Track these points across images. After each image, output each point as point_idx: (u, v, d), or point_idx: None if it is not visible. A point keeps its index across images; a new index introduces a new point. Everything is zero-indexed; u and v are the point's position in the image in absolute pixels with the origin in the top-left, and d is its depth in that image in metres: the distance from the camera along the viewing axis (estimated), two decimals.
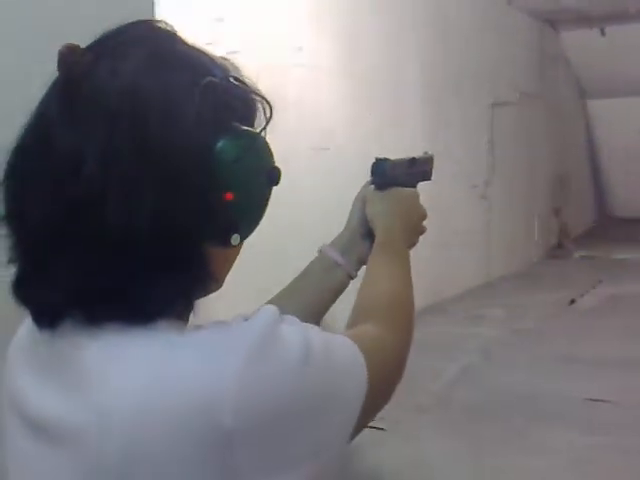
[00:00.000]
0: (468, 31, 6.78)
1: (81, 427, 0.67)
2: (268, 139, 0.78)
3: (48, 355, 0.74)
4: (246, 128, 0.74)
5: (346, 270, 1.10)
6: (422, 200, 1.16)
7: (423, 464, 3.18)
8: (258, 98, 0.77)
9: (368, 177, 1.16)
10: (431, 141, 6.18)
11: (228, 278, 0.82)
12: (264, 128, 0.77)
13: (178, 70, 0.71)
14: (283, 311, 1.06)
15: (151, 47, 0.72)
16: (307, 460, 0.70)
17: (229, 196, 0.71)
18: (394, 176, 1.15)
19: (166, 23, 0.76)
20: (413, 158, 1.20)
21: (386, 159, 1.14)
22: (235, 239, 0.74)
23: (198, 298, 0.76)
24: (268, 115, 0.77)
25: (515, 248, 8.00)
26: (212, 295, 0.78)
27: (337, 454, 0.75)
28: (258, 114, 0.78)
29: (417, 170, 1.21)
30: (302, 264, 1.15)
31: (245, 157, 0.72)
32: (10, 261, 0.71)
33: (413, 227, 1.14)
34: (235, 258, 0.81)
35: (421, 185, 1.21)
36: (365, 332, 0.87)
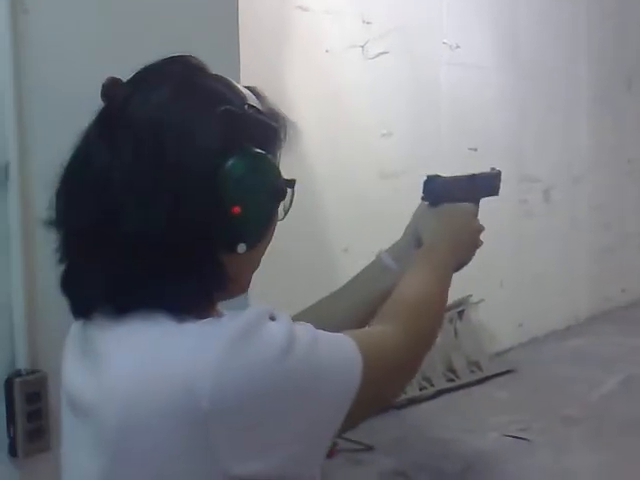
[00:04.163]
0: None
1: (93, 402, 0.77)
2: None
3: (83, 340, 0.84)
4: (255, 150, 0.81)
5: (397, 275, 1.15)
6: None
7: (566, 477, 3.03)
8: (274, 123, 0.85)
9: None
10: (599, 141, 5.87)
11: None
12: (278, 148, 0.87)
13: (198, 101, 0.80)
14: (336, 305, 1.16)
15: (177, 81, 0.82)
16: (283, 446, 0.74)
17: (236, 210, 0.78)
18: (447, 192, 1.20)
19: (196, 58, 0.86)
20: (473, 175, 1.25)
21: (438, 176, 1.20)
22: (241, 247, 0.81)
23: (220, 299, 0.85)
24: (286, 136, 0.87)
25: None
26: None
27: (320, 445, 0.78)
28: (278, 136, 0.86)
29: (478, 186, 1.25)
30: None
31: (250, 175, 0.80)
32: (58, 261, 0.83)
33: (464, 241, 1.18)
34: (254, 265, 0.89)
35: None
36: (374, 332, 0.93)
